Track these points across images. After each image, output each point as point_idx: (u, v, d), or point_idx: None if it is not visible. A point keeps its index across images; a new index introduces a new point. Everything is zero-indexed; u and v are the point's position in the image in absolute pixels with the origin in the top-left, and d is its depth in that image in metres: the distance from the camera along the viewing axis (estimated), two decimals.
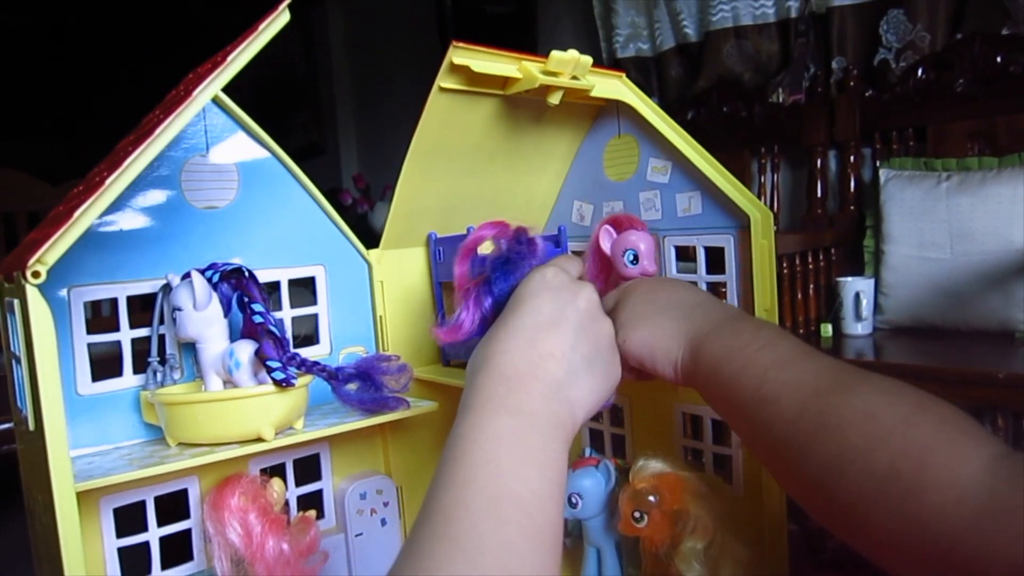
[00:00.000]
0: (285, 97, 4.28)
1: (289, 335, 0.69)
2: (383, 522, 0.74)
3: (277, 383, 0.56)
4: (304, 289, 0.74)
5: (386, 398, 0.63)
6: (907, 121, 2.19)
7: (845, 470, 0.42)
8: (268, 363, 0.56)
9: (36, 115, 4.00)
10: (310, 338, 0.72)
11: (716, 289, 0.75)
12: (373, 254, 0.76)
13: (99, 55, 4.04)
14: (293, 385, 0.57)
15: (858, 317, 2.05)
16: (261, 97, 4.24)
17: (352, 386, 0.63)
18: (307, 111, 4.23)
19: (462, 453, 0.42)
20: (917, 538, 0.38)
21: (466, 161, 0.76)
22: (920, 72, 2.15)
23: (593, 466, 0.70)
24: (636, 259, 0.66)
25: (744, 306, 0.71)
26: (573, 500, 0.69)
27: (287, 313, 0.70)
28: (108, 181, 0.44)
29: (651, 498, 0.65)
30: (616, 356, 0.52)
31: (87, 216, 0.44)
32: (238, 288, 0.60)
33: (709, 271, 0.74)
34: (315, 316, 0.73)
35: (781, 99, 2.54)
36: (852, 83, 2.25)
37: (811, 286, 2.10)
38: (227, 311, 0.60)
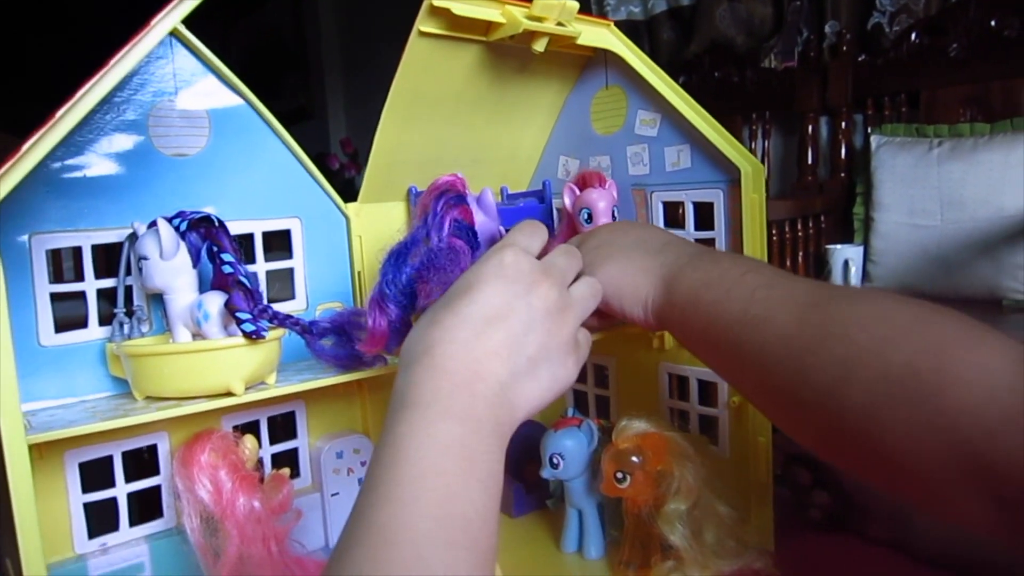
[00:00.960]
0: (274, 61, 4.21)
1: (263, 289, 0.66)
2: (360, 482, 0.73)
3: (247, 335, 0.54)
4: (283, 253, 0.72)
5: (362, 354, 0.61)
6: (900, 87, 2.16)
7: (854, 377, 0.39)
8: (238, 315, 0.54)
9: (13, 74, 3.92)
10: (285, 293, 0.70)
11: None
12: (351, 208, 0.73)
13: (80, 9, 3.95)
14: (263, 338, 0.55)
15: (847, 284, 2.04)
16: (250, 61, 4.17)
17: (327, 341, 0.61)
18: (295, 75, 4.16)
19: (403, 460, 0.38)
20: (940, 440, 0.35)
21: (448, 111, 0.74)
22: (914, 36, 2.12)
23: (575, 426, 0.68)
24: (591, 217, 0.64)
25: None
26: (555, 461, 0.67)
27: (261, 267, 0.68)
28: (59, 113, 0.42)
29: (634, 458, 0.63)
30: (569, 358, 0.47)
31: (39, 148, 0.41)
32: (208, 238, 0.58)
33: (697, 228, 0.72)
34: (290, 270, 0.70)
35: (773, 64, 2.51)
36: (845, 48, 2.22)
37: (800, 253, 2.09)
38: (196, 261, 0.57)
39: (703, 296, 0.49)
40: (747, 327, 0.46)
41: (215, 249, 0.57)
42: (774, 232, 2.02)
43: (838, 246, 2.06)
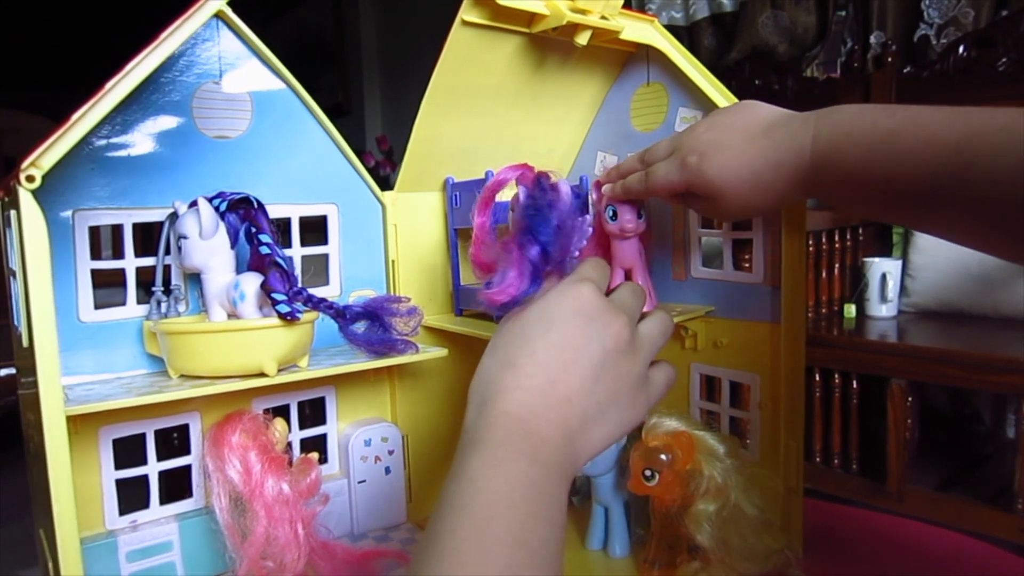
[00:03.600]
0: (312, 58, 4.25)
1: (298, 273, 0.67)
2: (387, 470, 0.73)
3: (282, 316, 0.54)
4: (319, 239, 0.72)
5: (394, 340, 0.61)
6: (946, 100, 2.09)
7: None
8: (273, 295, 0.54)
9: (58, 62, 4.00)
10: (319, 279, 0.70)
11: (740, 250, 0.72)
12: (388, 196, 0.74)
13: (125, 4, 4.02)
14: (298, 319, 0.55)
15: (883, 299, 2.01)
16: (288, 58, 4.20)
17: (359, 326, 0.61)
18: (333, 72, 4.20)
19: (475, 492, 0.38)
20: None
21: (487, 102, 0.74)
22: (962, 49, 2.08)
23: None
24: (615, 215, 0.63)
25: (770, 267, 0.68)
26: None
27: (297, 251, 0.69)
28: (109, 85, 0.42)
29: (663, 456, 0.62)
30: (638, 399, 0.46)
31: (85, 120, 0.42)
32: (246, 219, 0.58)
33: (734, 227, 0.72)
34: (325, 256, 0.71)
35: (815, 73, 2.48)
36: (890, 59, 2.18)
37: (836, 265, 2.06)
38: (234, 242, 0.58)
39: (888, 139, 0.47)
40: (963, 153, 0.44)
41: (253, 230, 0.57)
42: (811, 243, 1.99)
43: (876, 259, 2.02)
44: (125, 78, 0.44)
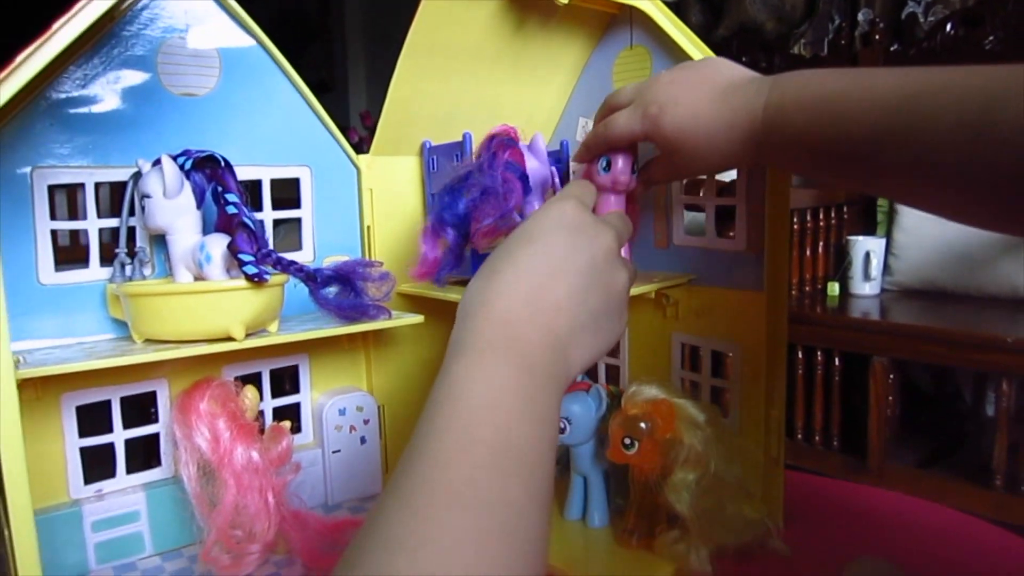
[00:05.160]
0: (296, 34, 4.19)
1: (269, 237, 0.65)
2: (362, 440, 0.71)
3: (249, 278, 0.52)
4: (290, 203, 0.70)
5: (366, 305, 0.59)
6: None
7: None
8: (240, 256, 0.53)
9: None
10: (292, 244, 0.69)
11: (724, 215, 0.70)
12: (363, 159, 0.72)
13: None
14: (266, 281, 0.53)
15: (867, 277, 2.01)
16: (272, 33, 4.14)
17: (331, 291, 0.59)
18: (317, 48, 4.14)
19: (458, 396, 0.37)
20: None
21: (466, 65, 0.72)
22: (949, 27, 2.07)
23: (584, 391, 0.66)
24: (609, 165, 0.62)
25: (752, 235, 0.67)
26: (561, 425, 0.65)
27: (268, 215, 0.67)
28: (56, 24, 0.40)
29: (643, 424, 0.61)
30: (624, 310, 0.47)
31: (31, 63, 0.40)
32: (213, 179, 0.56)
33: (718, 194, 0.70)
34: (298, 220, 0.69)
35: (803, 51, 2.47)
36: (878, 36, 2.17)
37: (820, 243, 2.05)
38: (200, 202, 0.56)
39: (834, 102, 0.48)
40: (910, 110, 0.44)
41: (220, 190, 0.55)
42: (795, 220, 1.98)
43: (860, 238, 2.02)
44: (75, 17, 0.42)
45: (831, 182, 0.55)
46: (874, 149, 0.47)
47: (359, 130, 3.13)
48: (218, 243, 0.54)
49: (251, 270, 0.52)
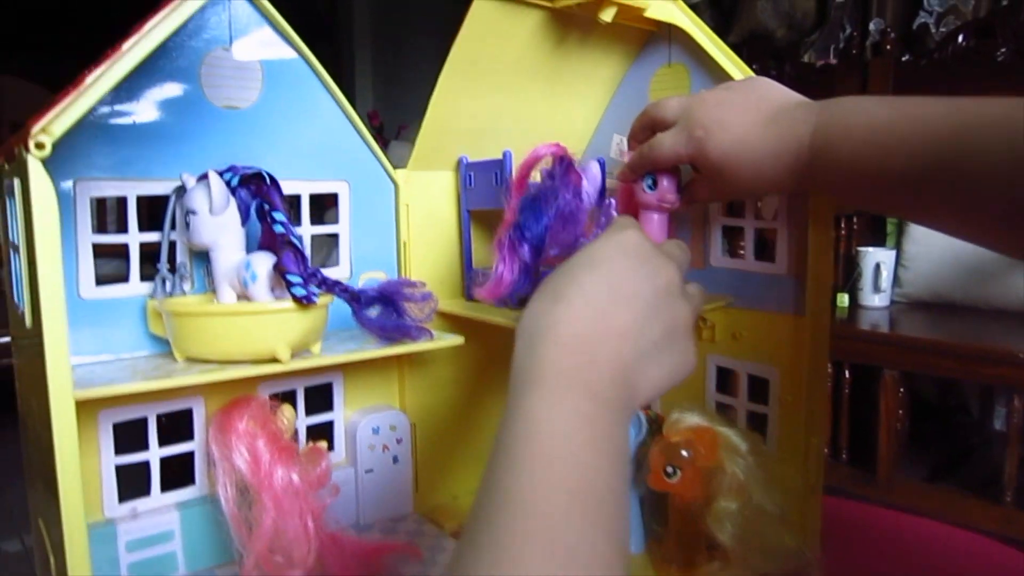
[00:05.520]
0: (304, 33, 4.18)
1: (308, 253, 0.64)
2: (395, 459, 0.70)
3: (297, 299, 0.52)
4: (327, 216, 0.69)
5: (408, 326, 0.59)
6: (944, 89, 2.07)
7: None
8: (288, 277, 0.52)
9: (53, 28, 3.90)
10: (329, 260, 0.68)
11: (765, 237, 0.70)
12: (400, 174, 0.71)
13: None
14: (314, 303, 0.52)
15: (876, 289, 2.00)
16: None
17: (373, 310, 0.58)
18: (325, 46, 4.13)
19: (534, 434, 0.36)
20: None
21: (504, 79, 0.71)
22: (961, 38, 2.06)
23: None
24: (654, 184, 0.61)
25: (794, 258, 0.66)
26: None
27: (307, 230, 0.66)
28: (125, 47, 0.39)
29: (685, 453, 0.61)
30: (689, 346, 0.45)
31: (101, 84, 0.39)
32: (258, 195, 0.55)
33: (758, 217, 0.69)
34: (335, 236, 0.68)
35: (813, 59, 2.46)
36: (888, 46, 2.17)
37: (830, 254, 2.05)
38: (245, 219, 0.55)
39: (882, 132, 0.48)
40: (956, 145, 0.44)
41: (266, 207, 0.54)
42: None
43: (870, 249, 2.01)
44: (142, 40, 0.41)
45: (876, 211, 0.55)
46: (922, 181, 0.46)
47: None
48: (264, 262, 0.53)
49: (300, 291, 0.51)
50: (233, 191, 0.54)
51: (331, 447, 0.69)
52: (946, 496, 1.74)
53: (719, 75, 0.68)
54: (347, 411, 0.70)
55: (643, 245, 0.45)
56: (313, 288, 0.52)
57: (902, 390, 1.80)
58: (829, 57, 2.40)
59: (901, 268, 2.03)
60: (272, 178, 0.55)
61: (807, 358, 0.66)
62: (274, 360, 0.52)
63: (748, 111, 0.55)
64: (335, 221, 0.68)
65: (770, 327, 0.69)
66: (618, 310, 0.41)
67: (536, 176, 0.62)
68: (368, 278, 0.69)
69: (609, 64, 0.77)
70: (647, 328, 0.42)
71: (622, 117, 0.79)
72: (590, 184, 0.64)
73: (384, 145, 3.06)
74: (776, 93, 0.57)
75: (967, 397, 2.14)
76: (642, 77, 0.77)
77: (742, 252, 0.71)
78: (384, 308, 0.58)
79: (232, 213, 0.54)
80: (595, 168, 0.64)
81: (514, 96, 0.73)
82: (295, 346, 0.53)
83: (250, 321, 0.52)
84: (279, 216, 0.53)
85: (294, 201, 0.65)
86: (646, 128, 0.63)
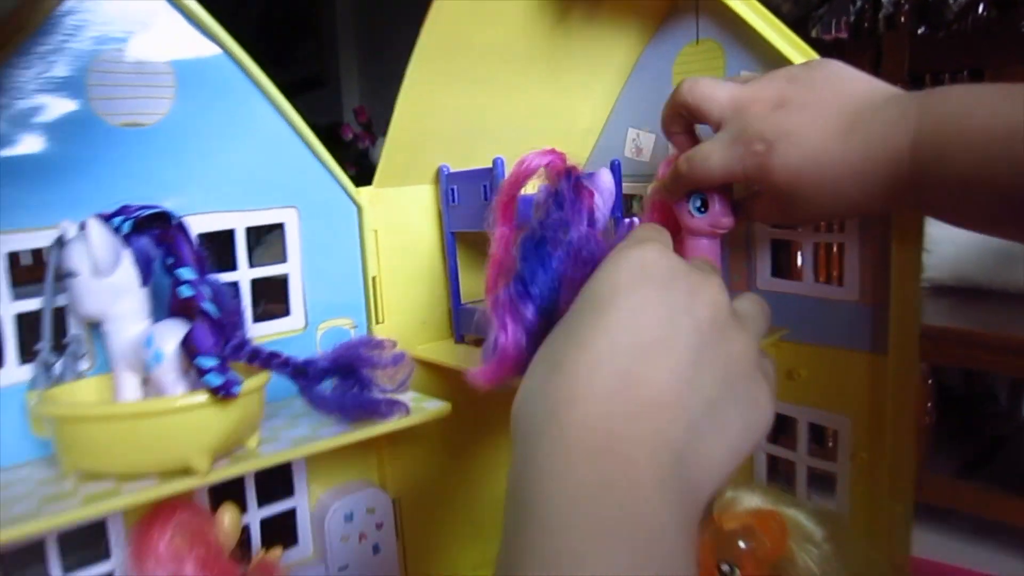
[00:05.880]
0: (288, 29, 4.03)
1: (247, 307, 0.50)
2: (375, 549, 0.56)
3: (212, 391, 0.37)
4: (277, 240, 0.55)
5: (376, 401, 0.45)
6: (962, 63, 1.96)
7: None
8: (199, 361, 0.38)
9: None
10: (276, 308, 0.54)
11: (829, 252, 0.56)
12: (364, 194, 0.56)
13: None
14: (234, 396, 0.38)
15: None
16: (264, 30, 3.98)
17: (329, 383, 0.44)
18: (309, 42, 3.98)
19: None
20: None
21: (490, 69, 0.56)
22: (980, 9, 1.94)
23: None
24: (705, 205, 0.47)
25: (869, 281, 0.52)
26: None
27: (244, 274, 0.51)
28: None
29: (744, 544, 0.47)
30: (760, 388, 0.30)
31: None
32: (163, 242, 0.41)
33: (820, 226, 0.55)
34: (284, 278, 0.54)
35: (822, 34, 2.32)
36: (903, 19, 2.02)
37: None
38: (146, 278, 0.41)
39: (1017, 137, 0.35)
40: None
41: (171, 261, 0.40)
42: None
43: None
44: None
45: (1006, 236, 0.41)
46: None
47: (353, 126, 2.97)
48: (171, 336, 0.39)
49: (215, 381, 0.37)
50: (127, 240, 0.40)
51: (294, 541, 0.55)
52: (978, 492, 1.63)
53: (766, 55, 0.53)
54: (313, 493, 0.56)
55: (668, 263, 0.30)
56: (233, 375, 0.38)
57: (929, 382, 1.68)
58: (839, 31, 2.26)
59: (925, 252, 1.88)
60: (179, 220, 0.41)
61: (890, 406, 0.52)
62: (189, 472, 0.38)
63: (822, 114, 0.42)
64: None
65: (838, 366, 0.55)
66: (647, 366, 0.27)
67: (531, 187, 0.47)
68: (328, 327, 0.55)
69: (621, 45, 0.62)
70: (696, 383, 0.28)
71: (638, 107, 0.65)
72: (602, 198, 0.48)
73: (372, 141, 2.92)
74: (857, 85, 0.43)
75: (995, 385, 2.02)
76: (662, 58, 0.62)
77: (799, 272, 0.57)
78: (343, 380, 0.44)
79: (126, 272, 0.40)
80: (606, 178, 0.47)
81: (504, 90, 0.59)
82: (218, 449, 0.39)
83: (150, 425, 0.37)
84: (185, 274, 0.39)
85: (224, 239, 0.50)
86: (678, 118, 0.49)
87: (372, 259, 0.57)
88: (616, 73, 0.64)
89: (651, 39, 0.62)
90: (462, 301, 0.61)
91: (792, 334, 0.57)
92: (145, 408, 0.38)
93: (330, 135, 2.53)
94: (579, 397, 0.27)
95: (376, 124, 3.07)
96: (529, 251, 0.38)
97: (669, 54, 0.61)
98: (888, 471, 0.53)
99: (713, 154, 0.44)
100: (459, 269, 0.61)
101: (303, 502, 0.55)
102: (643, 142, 0.64)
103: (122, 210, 0.40)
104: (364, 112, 3.04)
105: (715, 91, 0.46)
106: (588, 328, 0.28)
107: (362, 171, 2.33)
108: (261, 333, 0.52)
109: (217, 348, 0.38)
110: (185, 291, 0.38)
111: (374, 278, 0.57)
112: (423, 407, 0.49)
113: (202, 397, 0.38)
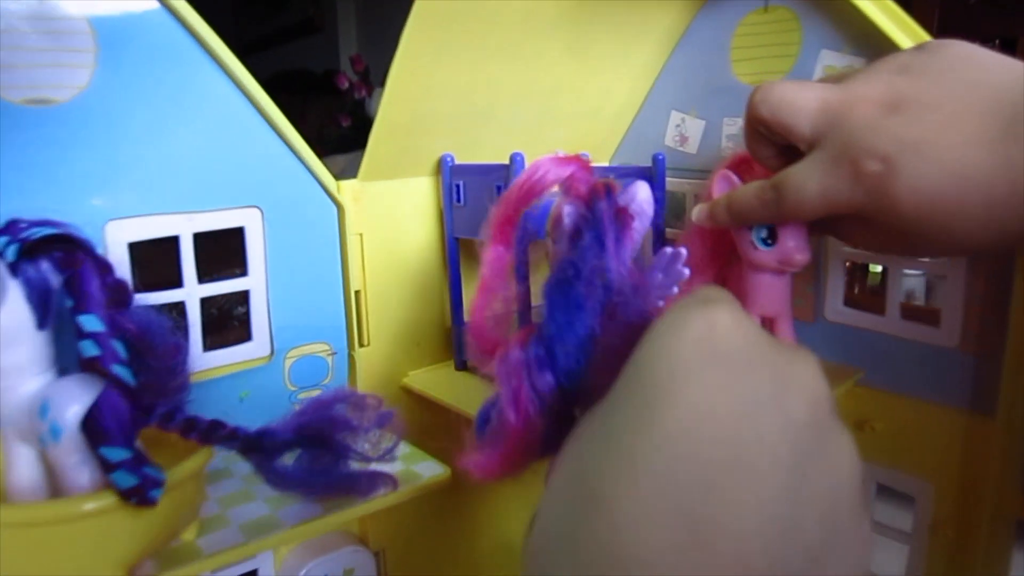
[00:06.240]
0: None
1: (195, 338, 0.39)
2: None
3: (122, 495, 0.27)
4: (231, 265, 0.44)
5: (354, 476, 0.35)
6: (994, 30, 1.82)
7: None
8: (104, 453, 0.27)
9: None
10: (234, 335, 0.43)
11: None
12: (347, 189, 0.45)
13: None
14: (152, 502, 0.28)
15: None
16: None
17: (291, 456, 0.34)
18: None
19: None
20: None
21: (502, 41, 0.45)
22: None
23: None
24: (773, 237, 0.37)
25: (975, 326, 0.42)
26: None
27: (192, 292, 0.41)
28: None
29: None
30: (864, 518, 0.21)
31: None
32: (68, 267, 0.30)
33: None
34: (244, 295, 0.43)
35: None
36: None
37: None
38: (42, 318, 0.30)
39: None
40: None
41: (71, 304, 0.29)
42: None
43: None
44: None
45: None
46: None
47: (349, 75, 2.83)
48: (73, 402, 0.29)
49: (124, 482, 0.27)
50: (14, 269, 0.29)
51: None
52: None
53: (857, 28, 0.42)
54: (279, 556, 0.46)
55: (747, 335, 0.21)
56: (151, 472, 0.28)
57: None
58: None
59: None
60: (86, 244, 0.30)
61: (992, 481, 0.42)
62: None
63: (959, 115, 0.31)
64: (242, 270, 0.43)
65: (924, 423, 0.45)
66: (721, 498, 0.19)
67: (552, 195, 0.35)
68: (299, 356, 0.45)
69: (667, 8, 0.51)
70: (792, 520, 0.19)
71: (685, 87, 0.54)
72: (638, 216, 0.37)
73: (369, 92, 2.78)
74: (1001, 74, 0.32)
75: None
76: (719, 27, 0.51)
77: (879, 302, 0.47)
78: (309, 452, 0.34)
79: (12, 311, 0.29)
80: (643, 192, 0.35)
81: (519, 64, 0.48)
82: (140, 555, 0.29)
83: (41, 536, 0.27)
84: (90, 325, 0.28)
85: (168, 246, 0.40)
86: (761, 139, 0.37)
87: (355, 269, 0.46)
88: (659, 44, 0.52)
89: (705, 2, 0.51)
90: (465, 319, 0.50)
91: (867, 377, 0.47)
92: (30, 515, 0.27)
93: (325, 83, 2.39)
94: (628, 557, 0.18)
95: (374, 73, 2.92)
96: (556, 300, 0.28)
97: (728, 23, 0.50)
98: (982, 553, 0.43)
99: (809, 181, 0.33)
100: (462, 281, 0.50)
101: (268, 565, 0.46)
102: (689, 129, 0.53)
103: (9, 227, 0.29)
104: (360, 60, 2.89)
105: (797, 97, 0.34)
106: (636, 435, 0.20)
107: (357, 123, 2.18)
108: (215, 364, 0.42)
109: (125, 429, 0.28)
110: (88, 349, 0.28)
111: (357, 292, 0.47)
112: (415, 472, 0.39)
113: (111, 497, 0.27)
